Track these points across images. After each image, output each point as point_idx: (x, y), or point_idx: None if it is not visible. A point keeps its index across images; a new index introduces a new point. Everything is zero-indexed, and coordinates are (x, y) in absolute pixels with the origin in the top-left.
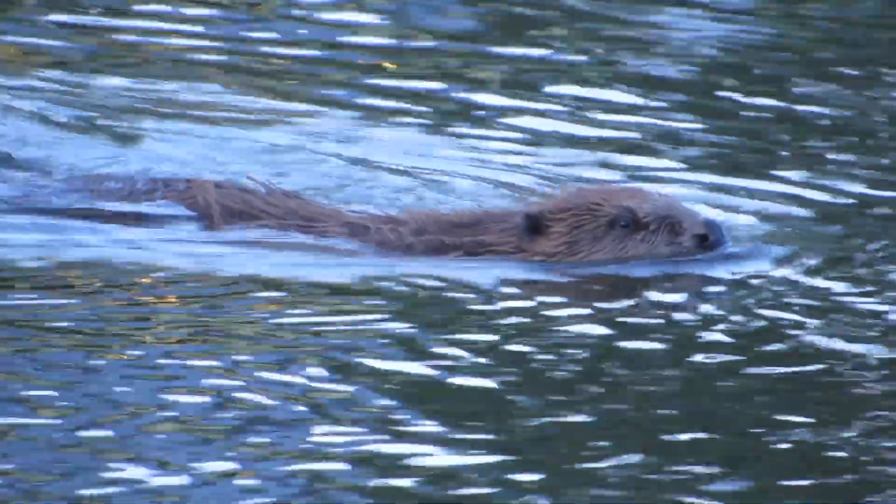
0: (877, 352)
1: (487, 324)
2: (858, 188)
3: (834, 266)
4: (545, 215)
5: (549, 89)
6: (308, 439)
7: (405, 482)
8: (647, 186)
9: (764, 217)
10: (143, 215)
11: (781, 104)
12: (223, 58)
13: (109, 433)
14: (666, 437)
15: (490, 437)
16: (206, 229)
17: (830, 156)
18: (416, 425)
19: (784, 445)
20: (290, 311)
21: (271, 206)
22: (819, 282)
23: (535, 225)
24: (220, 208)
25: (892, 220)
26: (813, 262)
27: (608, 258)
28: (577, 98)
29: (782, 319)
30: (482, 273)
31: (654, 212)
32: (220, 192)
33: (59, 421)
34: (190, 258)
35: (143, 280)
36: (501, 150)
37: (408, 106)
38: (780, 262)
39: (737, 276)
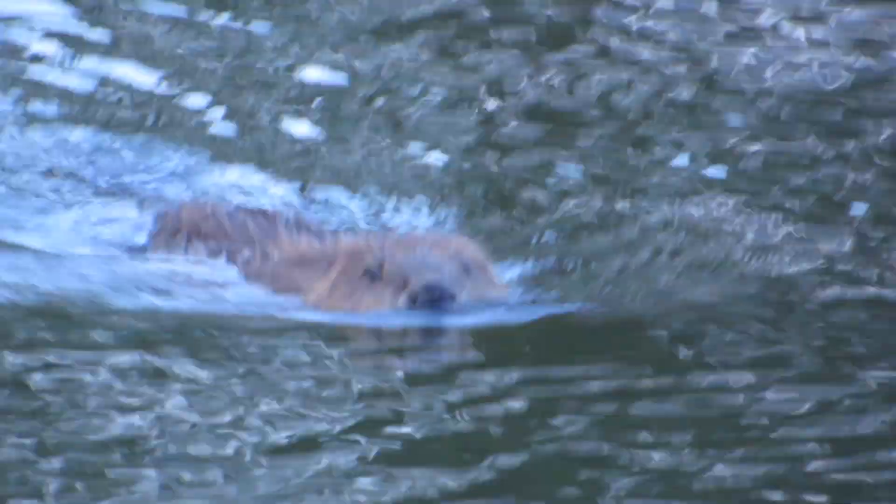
0: None
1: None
2: None
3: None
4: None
5: None
6: None
7: None
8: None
9: None
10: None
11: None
12: None
13: None
14: None
15: None
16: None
17: None
18: None
19: None
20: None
21: (236, 229)
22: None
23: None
24: (189, 229)
25: None
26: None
27: (356, 308)
28: None
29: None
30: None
31: (398, 266)
32: (197, 212)
33: None
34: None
35: None
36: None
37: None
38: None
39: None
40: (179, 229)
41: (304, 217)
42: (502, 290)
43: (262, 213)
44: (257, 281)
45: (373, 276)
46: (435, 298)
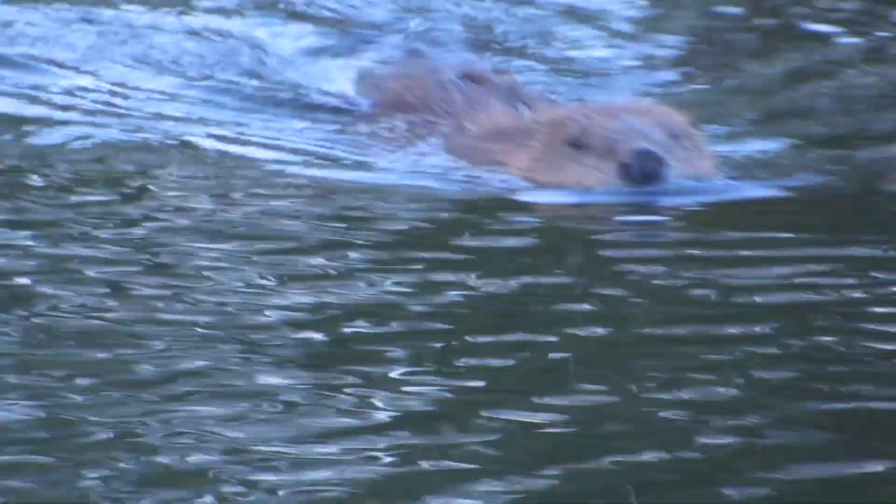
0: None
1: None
2: None
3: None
4: (531, 127)
5: None
6: None
7: None
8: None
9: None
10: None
11: None
12: None
13: None
14: None
15: None
16: (360, 119)
17: None
18: None
19: None
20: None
21: (440, 101)
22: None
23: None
24: (394, 98)
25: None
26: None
27: (561, 180)
28: None
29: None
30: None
31: (603, 133)
32: (404, 83)
33: None
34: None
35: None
36: None
37: None
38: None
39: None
40: (387, 102)
41: (521, 87)
42: (712, 161)
43: (476, 80)
44: (456, 154)
45: (577, 145)
46: (648, 166)
